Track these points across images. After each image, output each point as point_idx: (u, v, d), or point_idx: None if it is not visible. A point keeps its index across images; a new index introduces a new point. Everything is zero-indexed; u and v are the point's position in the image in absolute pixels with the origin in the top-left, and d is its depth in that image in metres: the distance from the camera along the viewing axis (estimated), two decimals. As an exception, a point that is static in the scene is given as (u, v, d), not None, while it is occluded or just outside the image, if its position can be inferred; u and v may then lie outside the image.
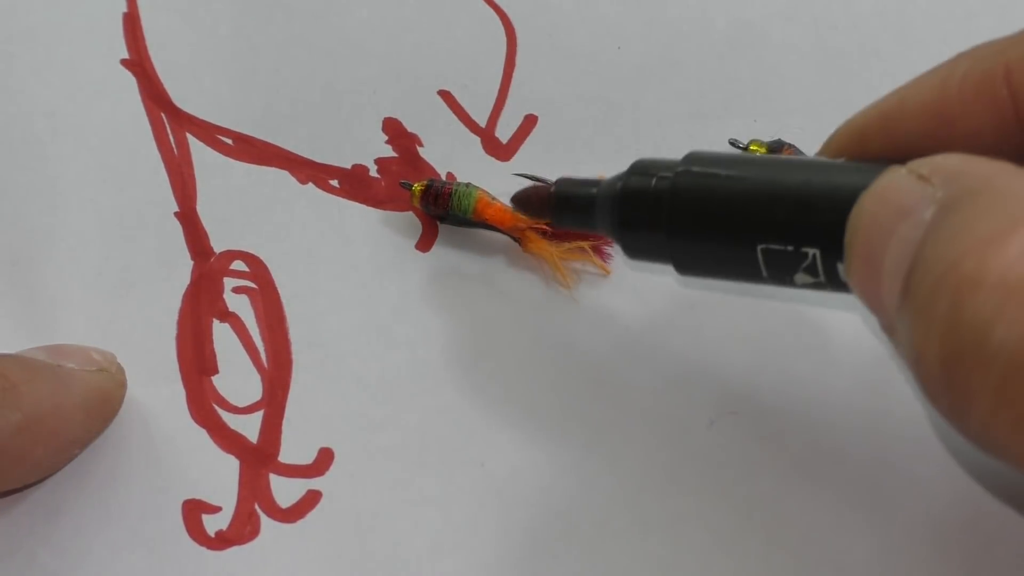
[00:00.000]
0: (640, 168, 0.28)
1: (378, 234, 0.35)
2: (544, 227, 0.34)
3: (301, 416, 0.33)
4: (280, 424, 0.33)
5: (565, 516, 0.32)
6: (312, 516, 0.32)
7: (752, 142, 0.35)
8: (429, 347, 0.34)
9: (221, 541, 0.32)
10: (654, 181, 0.27)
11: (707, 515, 0.31)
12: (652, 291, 0.34)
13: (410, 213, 0.36)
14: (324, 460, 0.33)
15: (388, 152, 0.36)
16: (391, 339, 0.34)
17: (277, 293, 0.35)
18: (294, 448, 0.33)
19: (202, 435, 0.33)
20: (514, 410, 0.33)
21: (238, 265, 0.35)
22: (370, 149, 0.36)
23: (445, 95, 0.37)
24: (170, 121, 0.37)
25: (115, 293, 0.35)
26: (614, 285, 0.34)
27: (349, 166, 0.36)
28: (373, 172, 0.36)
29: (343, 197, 0.36)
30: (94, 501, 0.32)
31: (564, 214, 0.31)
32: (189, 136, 0.37)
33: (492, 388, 0.33)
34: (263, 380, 0.34)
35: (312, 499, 0.32)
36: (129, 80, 0.38)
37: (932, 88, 0.24)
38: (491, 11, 0.38)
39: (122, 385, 0.33)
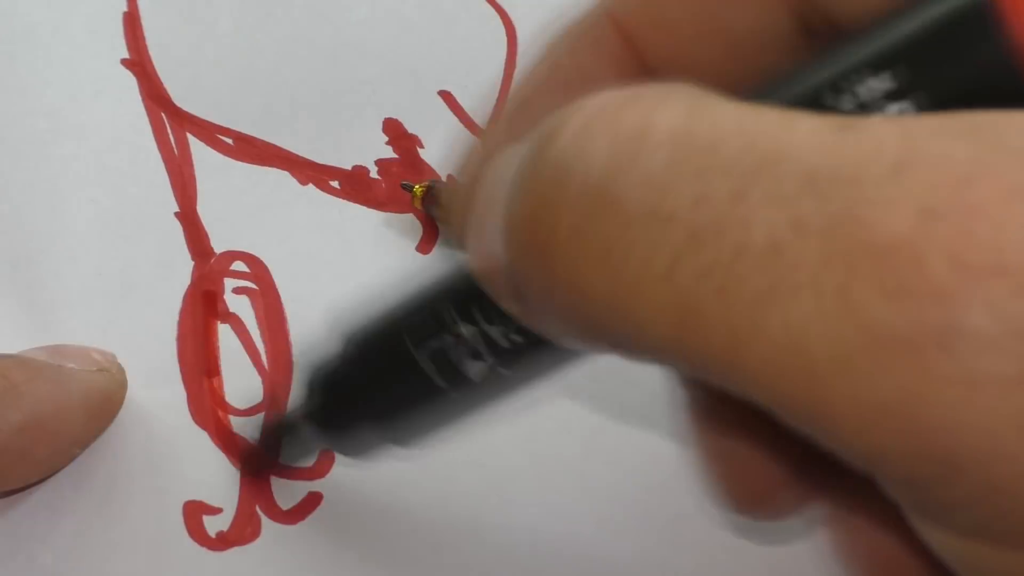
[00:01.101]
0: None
1: (379, 236, 0.35)
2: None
3: (302, 417, 0.33)
4: (281, 425, 0.33)
5: (565, 516, 0.32)
6: (313, 518, 0.32)
7: None
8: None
9: (222, 542, 0.32)
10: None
11: (707, 515, 0.31)
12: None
13: (411, 215, 0.36)
14: (324, 462, 0.33)
15: (389, 153, 0.36)
16: (391, 340, 0.34)
17: (278, 294, 0.35)
18: (295, 449, 0.33)
19: (203, 436, 0.33)
20: (514, 410, 0.33)
21: (238, 266, 0.35)
22: (370, 150, 0.36)
23: (445, 95, 0.37)
24: (170, 121, 0.37)
25: (115, 293, 0.35)
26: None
27: (349, 167, 0.36)
28: (374, 173, 0.36)
29: (344, 198, 0.36)
30: (94, 501, 0.32)
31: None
32: (189, 136, 0.37)
33: (492, 389, 0.33)
34: (264, 381, 0.34)
35: (313, 501, 0.32)
36: (129, 80, 0.37)
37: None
38: (491, 11, 0.38)
39: (123, 385, 0.33)
